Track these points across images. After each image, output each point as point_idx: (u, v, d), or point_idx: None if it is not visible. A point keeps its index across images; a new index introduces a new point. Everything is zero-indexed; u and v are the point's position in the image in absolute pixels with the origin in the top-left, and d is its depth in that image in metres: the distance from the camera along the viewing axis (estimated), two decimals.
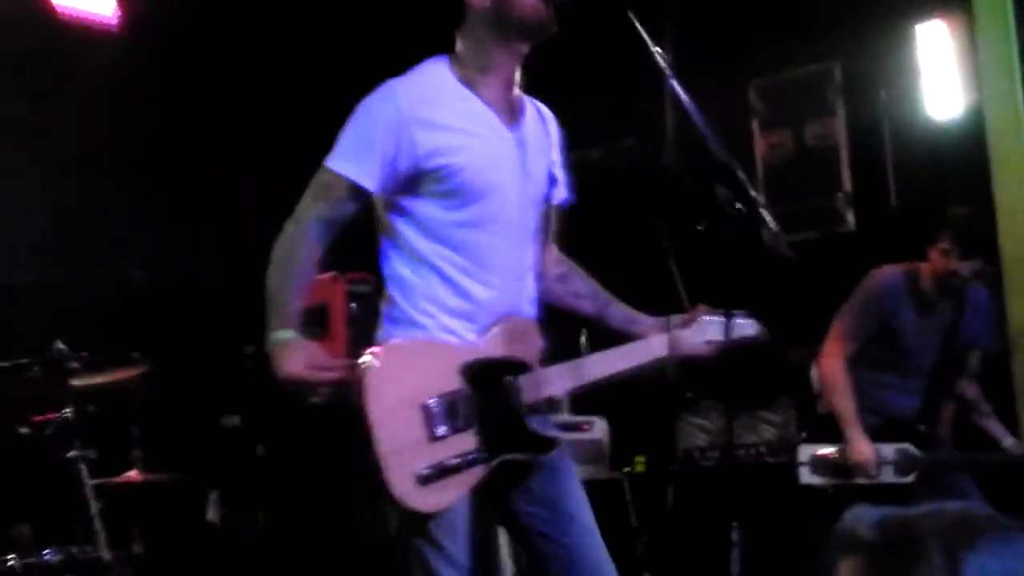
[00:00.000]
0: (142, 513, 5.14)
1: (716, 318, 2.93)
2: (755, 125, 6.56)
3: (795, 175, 6.36)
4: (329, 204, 2.73)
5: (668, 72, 2.59)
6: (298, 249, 2.72)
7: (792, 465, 4.61)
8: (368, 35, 6.63)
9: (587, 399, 6.00)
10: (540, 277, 2.94)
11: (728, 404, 5.80)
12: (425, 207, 2.72)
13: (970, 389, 4.77)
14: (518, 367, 2.75)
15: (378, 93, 2.75)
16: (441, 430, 2.61)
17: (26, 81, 6.40)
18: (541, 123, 2.92)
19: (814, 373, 4.82)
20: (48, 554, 4.32)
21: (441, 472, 2.59)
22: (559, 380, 2.82)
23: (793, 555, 4.52)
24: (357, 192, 2.72)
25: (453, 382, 2.66)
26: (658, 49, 2.61)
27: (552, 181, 2.91)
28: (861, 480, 4.46)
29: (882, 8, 6.01)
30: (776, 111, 6.53)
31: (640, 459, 6.20)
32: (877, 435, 4.53)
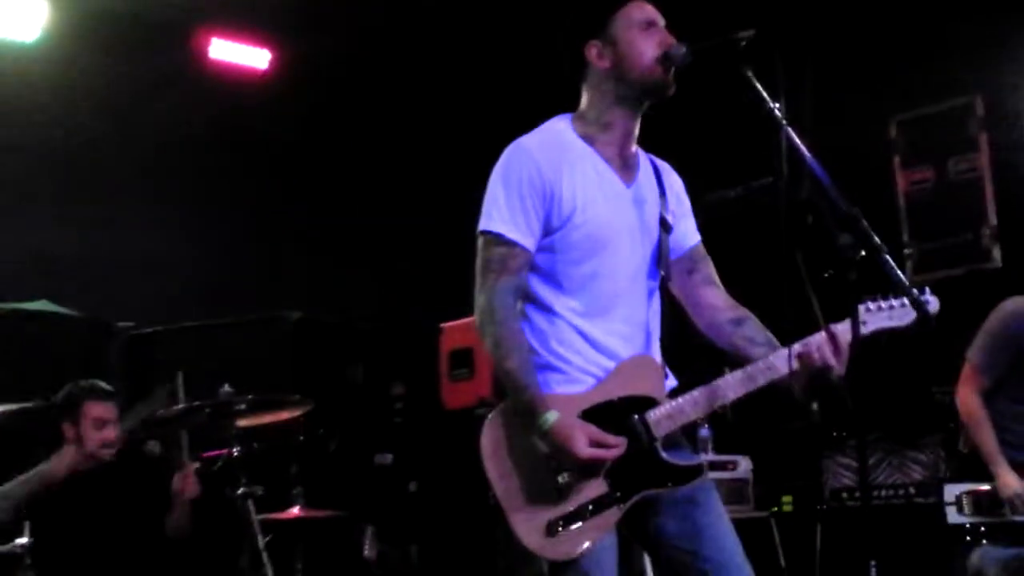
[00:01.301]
0: (304, 547, 5.35)
1: (842, 324, 2.80)
2: (896, 161, 6.52)
3: (938, 211, 6.29)
4: (511, 275, 2.78)
5: (783, 124, 2.61)
6: (506, 331, 2.73)
7: (939, 505, 4.55)
8: (500, 87, 6.81)
9: (732, 438, 6.03)
10: (712, 318, 2.99)
11: (875, 444, 5.75)
12: (550, 259, 2.83)
13: None
14: (643, 403, 2.79)
15: (515, 154, 2.84)
16: (566, 479, 2.66)
17: (187, 133, 6.77)
18: (655, 178, 3.00)
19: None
20: None
21: (572, 520, 2.65)
22: (691, 408, 2.81)
23: None
24: (526, 254, 2.79)
25: None
26: (773, 103, 2.64)
27: (668, 229, 2.97)
28: (1016, 516, 4.39)
29: (1021, 40, 5.95)
30: (917, 146, 6.48)
31: (787, 499, 6.17)
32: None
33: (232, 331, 6.15)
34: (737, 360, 2.94)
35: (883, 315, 2.85)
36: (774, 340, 2.91)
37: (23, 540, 4.23)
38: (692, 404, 2.81)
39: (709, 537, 2.80)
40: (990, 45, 5.97)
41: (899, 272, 2.52)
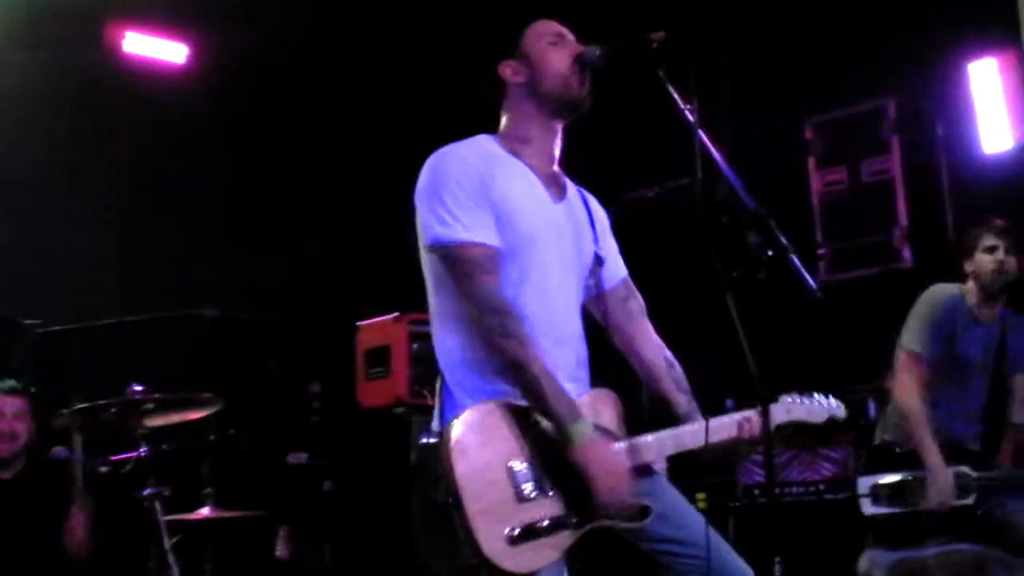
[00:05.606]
0: (214, 548, 5.26)
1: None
2: (811, 162, 6.60)
3: (851, 212, 6.37)
4: (497, 275, 2.71)
5: (695, 126, 2.64)
6: (526, 333, 2.66)
7: (852, 497, 4.63)
8: (422, 84, 6.77)
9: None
10: (647, 354, 3.00)
11: (786, 441, 5.82)
12: None
13: None
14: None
15: (445, 159, 2.79)
16: (528, 492, 2.61)
17: (98, 128, 6.65)
18: (584, 205, 3.00)
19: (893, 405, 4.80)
20: None
21: (531, 533, 2.59)
22: (647, 451, 2.78)
23: None
24: (498, 253, 2.73)
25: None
26: (686, 104, 2.67)
27: (600, 261, 2.98)
28: (927, 506, 4.49)
29: (935, 45, 6.06)
30: (832, 148, 6.56)
31: (701, 496, 6.22)
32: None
33: (147, 329, 6.03)
34: (655, 397, 2.98)
35: (803, 409, 3.01)
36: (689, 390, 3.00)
37: None
38: (648, 447, 2.79)
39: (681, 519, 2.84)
40: (902, 48, 6.08)
41: (806, 272, 2.56)
